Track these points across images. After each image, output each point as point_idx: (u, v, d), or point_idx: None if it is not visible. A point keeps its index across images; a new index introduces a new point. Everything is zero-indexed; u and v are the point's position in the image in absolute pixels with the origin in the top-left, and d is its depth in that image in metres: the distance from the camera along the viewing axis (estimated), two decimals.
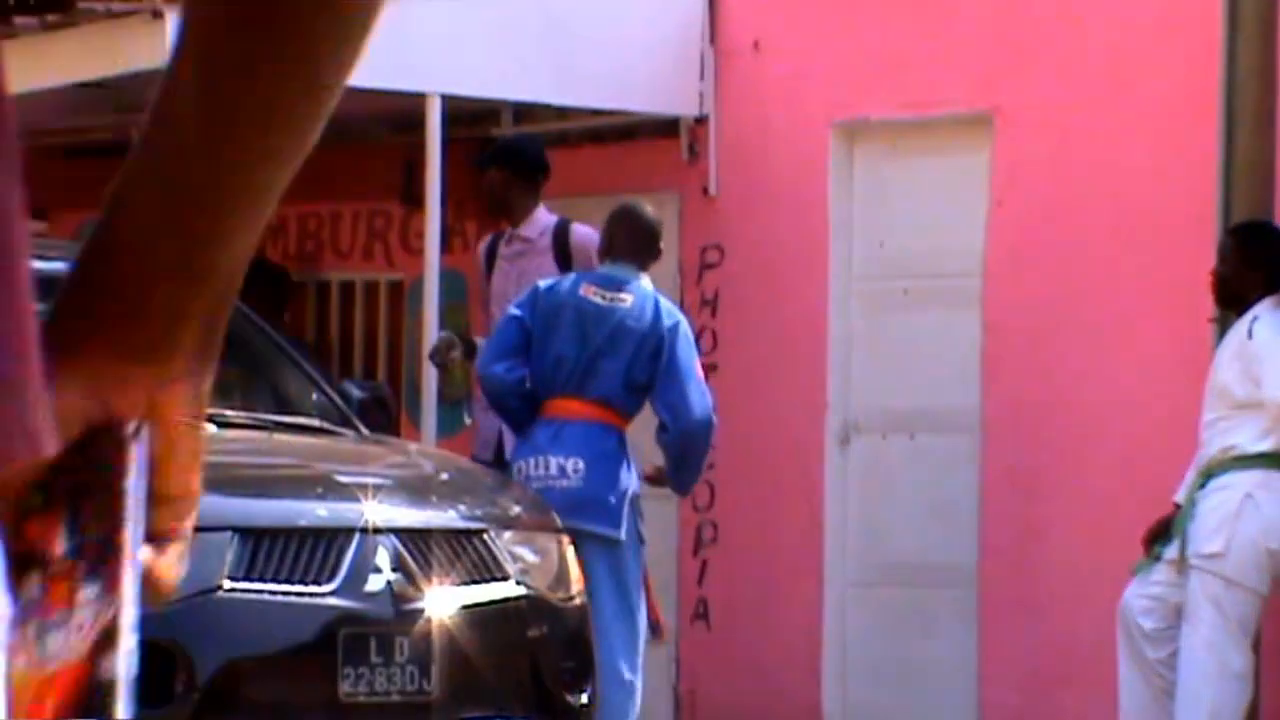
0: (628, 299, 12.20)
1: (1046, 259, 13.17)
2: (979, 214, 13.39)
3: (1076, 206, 13.06)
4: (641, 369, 12.11)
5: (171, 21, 13.10)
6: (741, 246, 14.17)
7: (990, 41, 13.39)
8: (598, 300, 12.25)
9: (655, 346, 12.09)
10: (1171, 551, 11.85)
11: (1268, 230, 11.99)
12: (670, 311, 12.19)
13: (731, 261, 14.19)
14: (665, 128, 14.35)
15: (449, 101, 13.40)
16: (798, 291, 13.93)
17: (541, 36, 13.89)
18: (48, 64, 13.65)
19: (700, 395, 12.12)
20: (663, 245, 12.35)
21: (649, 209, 12.44)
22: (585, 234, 13.64)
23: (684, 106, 14.20)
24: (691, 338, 12.16)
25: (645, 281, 12.23)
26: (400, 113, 13.47)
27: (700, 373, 12.16)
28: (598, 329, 12.21)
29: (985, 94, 13.38)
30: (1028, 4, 13.32)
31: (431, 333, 13.42)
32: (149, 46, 13.08)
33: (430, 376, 13.35)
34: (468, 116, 13.96)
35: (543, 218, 13.54)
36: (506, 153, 13.74)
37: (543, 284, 12.32)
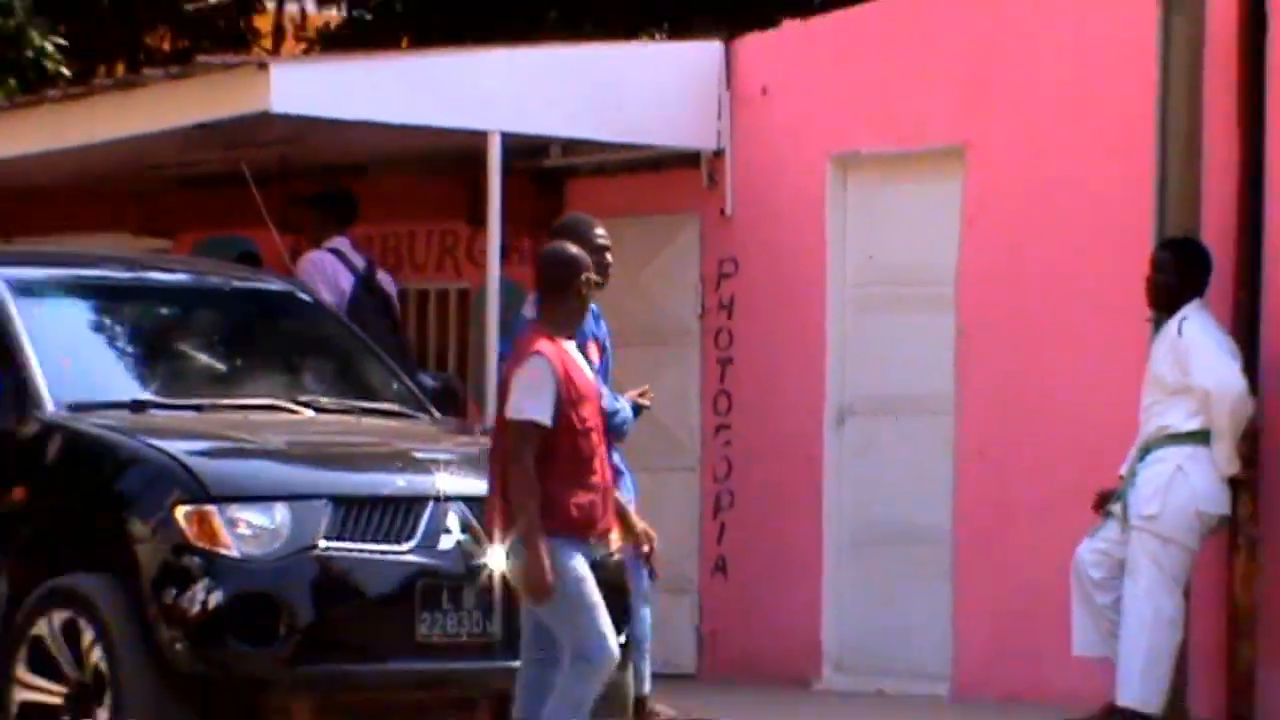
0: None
1: (1010, 270, 13.15)
2: (953, 232, 13.36)
3: (1034, 226, 13.05)
4: None
5: (273, 74, 13.17)
6: (753, 260, 14.14)
7: (961, 88, 13.36)
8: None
9: None
10: (1114, 514, 11.92)
11: (1197, 246, 11.99)
12: None
13: (745, 272, 14.15)
14: (688, 160, 14.28)
15: (506, 138, 13.35)
16: (800, 297, 13.92)
17: (585, 82, 13.86)
18: (171, 108, 13.60)
19: None
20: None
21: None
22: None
23: (704, 141, 14.15)
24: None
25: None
26: (466, 147, 13.41)
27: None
28: None
29: (957, 131, 13.35)
30: (992, 56, 13.24)
31: (493, 333, 13.38)
32: (254, 94, 13.07)
33: (491, 368, 13.15)
34: (522, 150, 13.91)
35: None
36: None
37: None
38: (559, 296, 10.10)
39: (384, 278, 14.64)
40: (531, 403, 9.79)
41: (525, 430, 9.77)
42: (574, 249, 10.28)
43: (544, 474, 9.82)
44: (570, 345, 10.15)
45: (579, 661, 9.87)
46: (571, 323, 10.17)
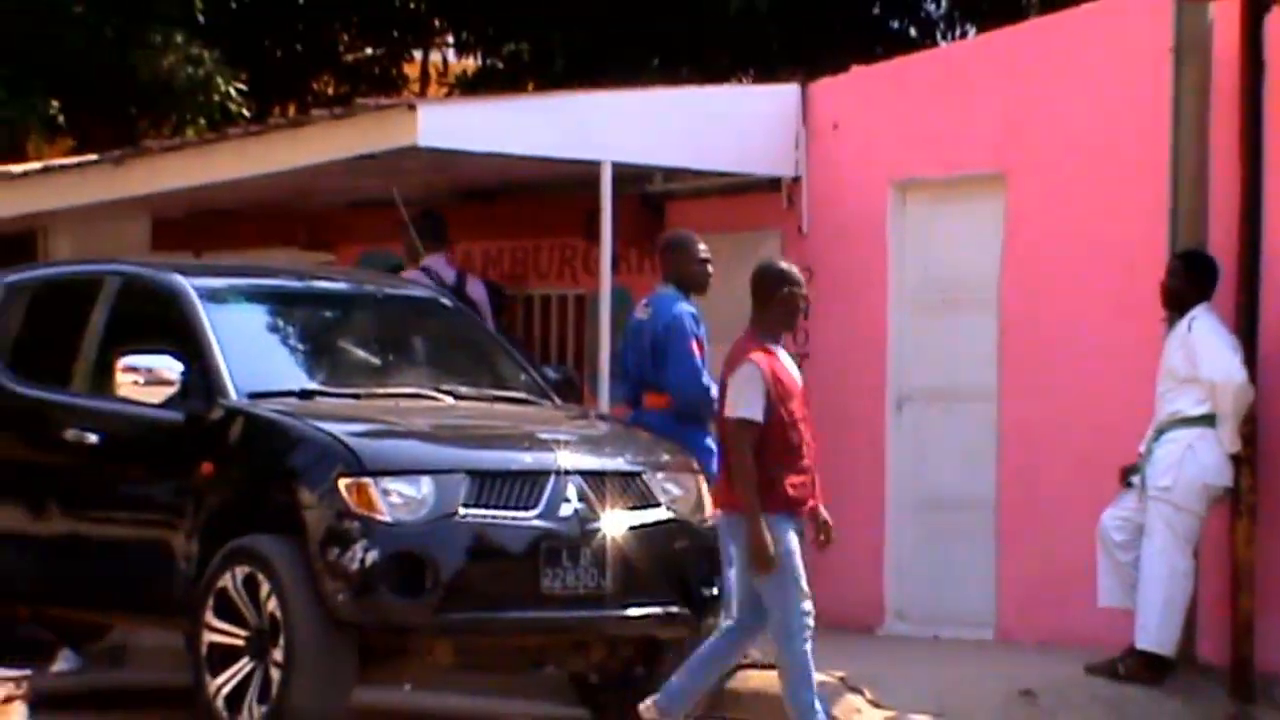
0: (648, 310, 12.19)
1: (1044, 278, 13.10)
2: (995, 246, 13.32)
3: (1065, 241, 13.00)
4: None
5: (420, 113, 13.22)
6: (825, 270, 14.06)
7: (1001, 124, 13.33)
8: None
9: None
10: (1134, 485, 11.94)
11: (1204, 257, 12.01)
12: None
13: (819, 279, 13.97)
14: (770, 185, 14.25)
15: (616, 166, 13.36)
16: (865, 301, 13.90)
17: (683, 119, 13.86)
18: (334, 143, 13.66)
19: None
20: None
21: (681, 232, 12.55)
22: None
23: (783, 169, 14.13)
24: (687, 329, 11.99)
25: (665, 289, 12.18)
26: (582, 175, 13.44)
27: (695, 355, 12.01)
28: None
29: (999, 160, 13.32)
30: (1028, 97, 13.20)
31: (605, 332, 13.46)
32: (404, 130, 13.07)
33: (604, 363, 13.35)
34: (630, 177, 13.90)
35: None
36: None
37: None
38: (768, 306, 10.28)
39: (475, 288, 14.55)
40: (745, 403, 10.01)
41: (741, 426, 10.00)
42: (783, 265, 10.49)
43: (762, 460, 10.02)
44: (780, 350, 10.29)
45: (785, 631, 10.10)
46: (779, 328, 10.32)
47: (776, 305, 10.25)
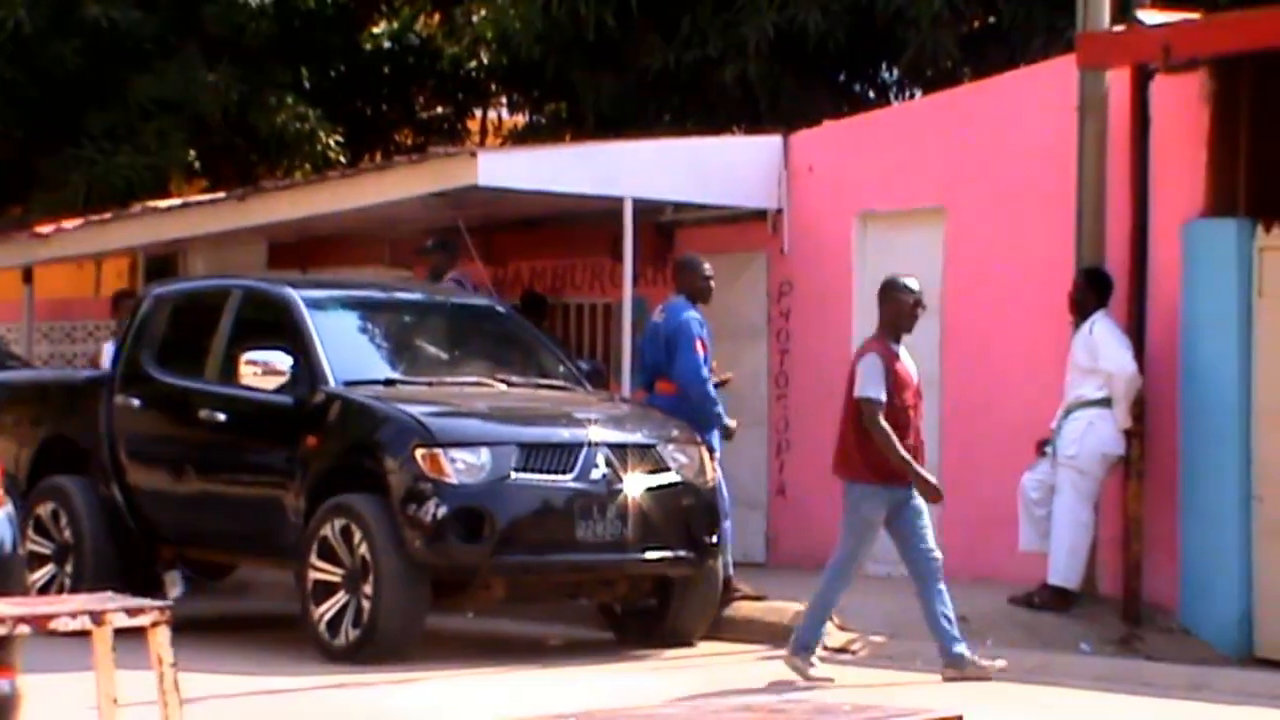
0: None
1: (976, 290, 13.06)
2: (938, 265, 13.24)
3: (994, 261, 12.96)
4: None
5: (480, 159, 13.24)
6: (803, 283, 14.03)
7: (942, 168, 13.26)
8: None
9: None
10: (1048, 454, 11.92)
11: (1101, 272, 11.94)
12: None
13: (797, 291, 14.05)
14: (758, 215, 14.15)
15: (636, 201, 13.32)
16: (835, 308, 13.80)
17: (688, 163, 13.76)
18: (413, 183, 13.62)
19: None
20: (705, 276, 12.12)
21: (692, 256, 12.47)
22: None
23: (769, 203, 14.03)
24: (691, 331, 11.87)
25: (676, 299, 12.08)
26: (609, 208, 13.37)
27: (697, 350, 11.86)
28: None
29: (941, 196, 13.24)
30: (965, 145, 13.13)
31: (627, 334, 13.34)
32: (467, 173, 13.02)
33: (626, 360, 13.25)
34: (647, 209, 13.81)
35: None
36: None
37: None
38: (890, 313, 10.30)
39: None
40: (870, 384, 10.07)
41: (868, 404, 10.05)
42: (901, 278, 10.46)
43: (871, 437, 10.00)
44: (900, 349, 10.32)
45: (836, 571, 10.22)
46: (896, 329, 10.31)
47: (890, 310, 10.28)
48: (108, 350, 14.64)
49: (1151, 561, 11.70)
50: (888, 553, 13.38)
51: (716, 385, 12.12)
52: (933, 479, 10.20)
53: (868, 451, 10.12)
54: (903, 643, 11.19)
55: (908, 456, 10.05)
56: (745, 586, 12.11)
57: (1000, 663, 10.32)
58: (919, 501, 10.26)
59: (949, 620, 10.26)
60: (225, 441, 11.79)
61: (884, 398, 10.04)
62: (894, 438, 10.02)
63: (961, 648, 10.25)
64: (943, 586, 10.27)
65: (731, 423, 11.92)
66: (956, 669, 10.20)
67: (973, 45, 15.85)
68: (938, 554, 10.38)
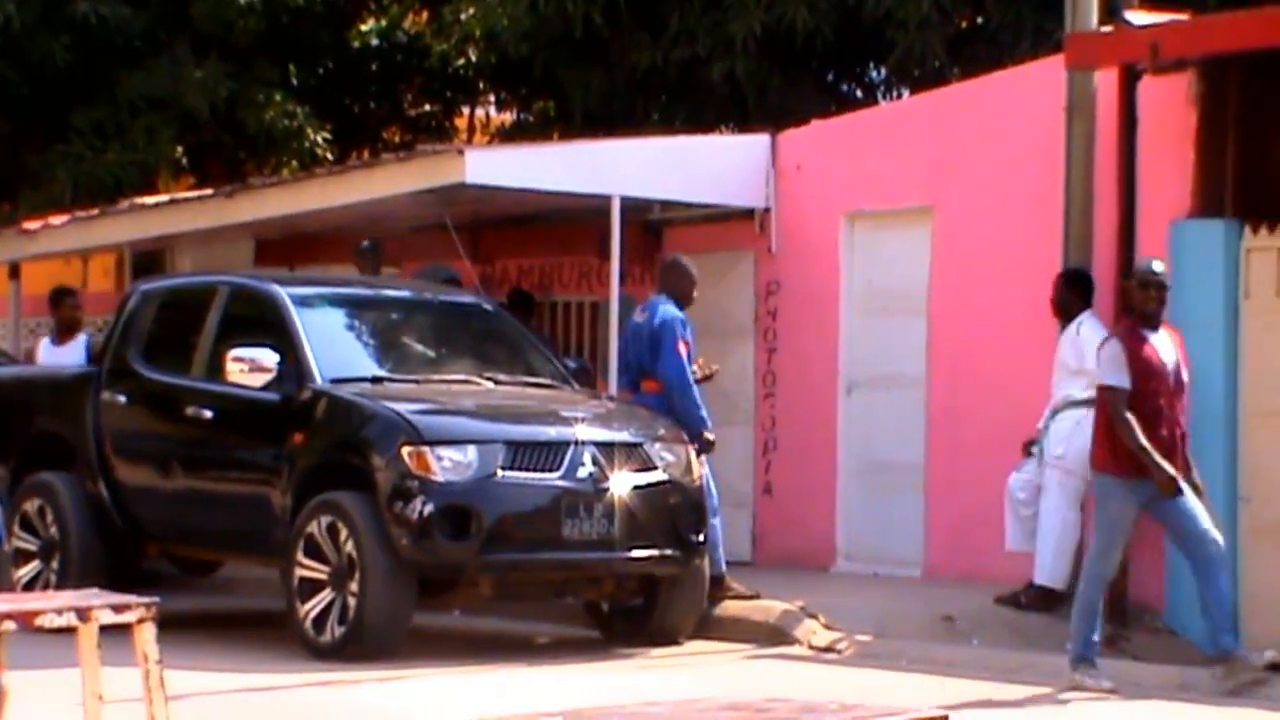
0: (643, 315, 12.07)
1: (964, 290, 13.07)
2: (925, 264, 13.28)
3: (981, 260, 12.96)
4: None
5: (468, 157, 13.16)
6: (791, 282, 14.04)
7: (929, 167, 13.26)
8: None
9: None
10: (1035, 454, 11.90)
11: (1082, 274, 11.94)
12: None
13: (784, 290, 14.07)
14: (746, 214, 14.15)
15: (624, 200, 13.30)
16: (823, 307, 13.83)
17: (676, 162, 13.75)
18: (401, 180, 13.59)
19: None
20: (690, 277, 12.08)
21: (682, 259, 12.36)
22: None
23: (757, 202, 14.02)
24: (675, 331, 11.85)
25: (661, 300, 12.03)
26: (596, 206, 13.39)
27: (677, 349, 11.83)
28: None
29: (928, 195, 13.25)
30: (952, 145, 13.13)
31: (614, 331, 13.30)
32: (455, 170, 12.98)
33: (613, 357, 13.20)
34: (634, 207, 13.82)
35: None
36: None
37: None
38: (1143, 303, 9.92)
39: None
40: (1111, 373, 9.77)
41: (1110, 391, 9.74)
42: (1149, 267, 10.01)
43: (1117, 428, 9.69)
44: (1156, 335, 9.95)
45: (1092, 570, 9.87)
46: (1145, 318, 9.89)
47: (1135, 299, 10.00)
48: (44, 345, 14.63)
49: (1138, 562, 11.67)
50: (870, 552, 13.54)
51: (703, 379, 12.10)
52: (1171, 471, 9.60)
53: (1115, 442, 9.75)
54: (888, 642, 11.20)
55: (1146, 445, 9.59)
56: (738, 585, 12.10)
57: (1271, 653, 9.94)
58: (1182, 494, 9.80)
59: (1213, 613, 9.86)
60: (212, 438, 11.77)
61: (1126, 385, 9.67)
62: (1135, 425, 9.61)
63: (1229, 640, 9.92)
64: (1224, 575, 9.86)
65: (710, 435, 11.86)
66: (1223, 665, 9.91)
67: (960, 46, 15.88)
68: (1216, 537, 9.88)
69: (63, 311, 14.87)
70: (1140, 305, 10.00)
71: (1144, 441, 9.65)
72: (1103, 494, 9.95)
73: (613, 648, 11.31)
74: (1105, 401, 9.84)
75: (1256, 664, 9.99)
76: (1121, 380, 9.73)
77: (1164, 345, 9.99)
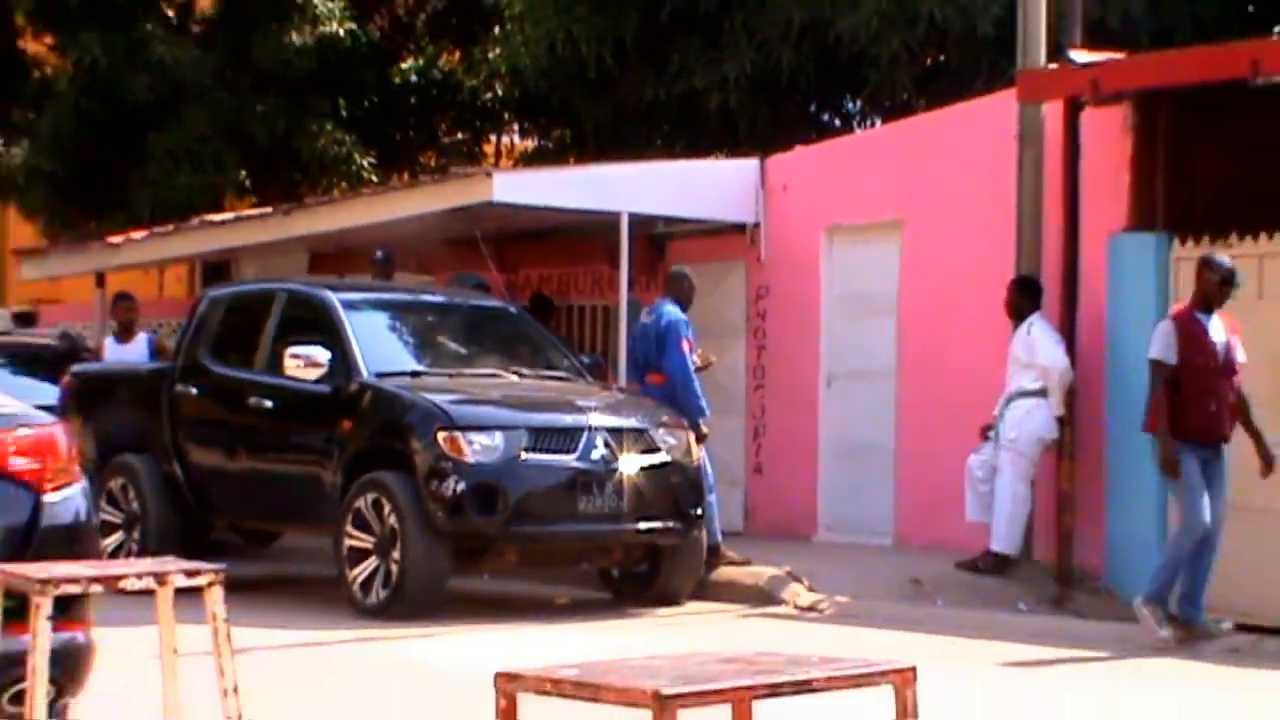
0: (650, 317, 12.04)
1: (929, 295, 13.05)
2: (895, 272, 13.28)
3: (944, 268, 12.95)
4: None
5: (495, 179, 13.25)
6: (778, 287, 14.04)
7: (898, 186, 13.25)
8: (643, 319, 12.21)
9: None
10: (991, 437, 11.92)
11: (1034, 281, 11.93)
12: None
13: (772, 295, 14.07)
14: (738, 229, 14.16)
15: (632, 216, 13.31)
16: (805, 309, 13.82)
17: (677, 182, 13.75)
18: (436, 199, 13.63)
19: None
20: (693, 284, 12.03)
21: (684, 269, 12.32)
22: None
23: (748, 218, 14.03)
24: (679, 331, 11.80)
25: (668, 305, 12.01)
26: (607, 222, 13.38)
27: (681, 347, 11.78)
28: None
29: (898, 211, 13.25)
30: (919, 167, 13.12)
31: (623, 332, 13.33)
32: (484, 191, 13.03)
33: (622, 351, 13.25)
34: (640, 223, 13.80)
35: None
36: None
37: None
38: (1199, 287, 9.68)
39: None
40: (1158, 348, 9.55)
41: (1153, 365, 9.54)
42: (1219, 259, 9.67)
43: (1175, 398, 9.43)
44: (1210, 319, 9.57)
45: (1181, 528, 9.60)
46: (1205, 303, 9.58)
47: (1199, 284, 9.70)
48: (109, 344, 14.62)
49: (1081, 531, 11.72)
50: (847, 523, 13.53)
51: (702, 368, 12.11)
52: (1172, 451, 9.39)
53: (1176, 411, 9.50)
54: (864, 602, 11.20)
55: (1165, 425, 9.40)
56: (732, 553, 12.10)
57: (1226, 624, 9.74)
58: (1223, 464, 9.61)
59: (1186, 582, 9.63)
60: (271, 425, 11.77)
61: (1171, 361, 9.45)
62: (1164, 402, 9.42)
63: (1193, 609, 9.70)
64: (1207, 553, 9.57)
65: (705, 429, 11.84)
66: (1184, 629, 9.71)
67: (926, 81, 15.89)
68: (1214, 515, 9.58)
69: (119, 313, 14.83)
70: (1214, 295, 9.68)
71: (1164, 425, 9.42)
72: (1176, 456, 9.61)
73: (621, 608, 11.32)
74: (1150, 373, 9.59)
75: (1217, 632, 9.85)
76: (1167, 356, 9.51)
77: (1216, 328, 9.70)
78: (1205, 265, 9.82)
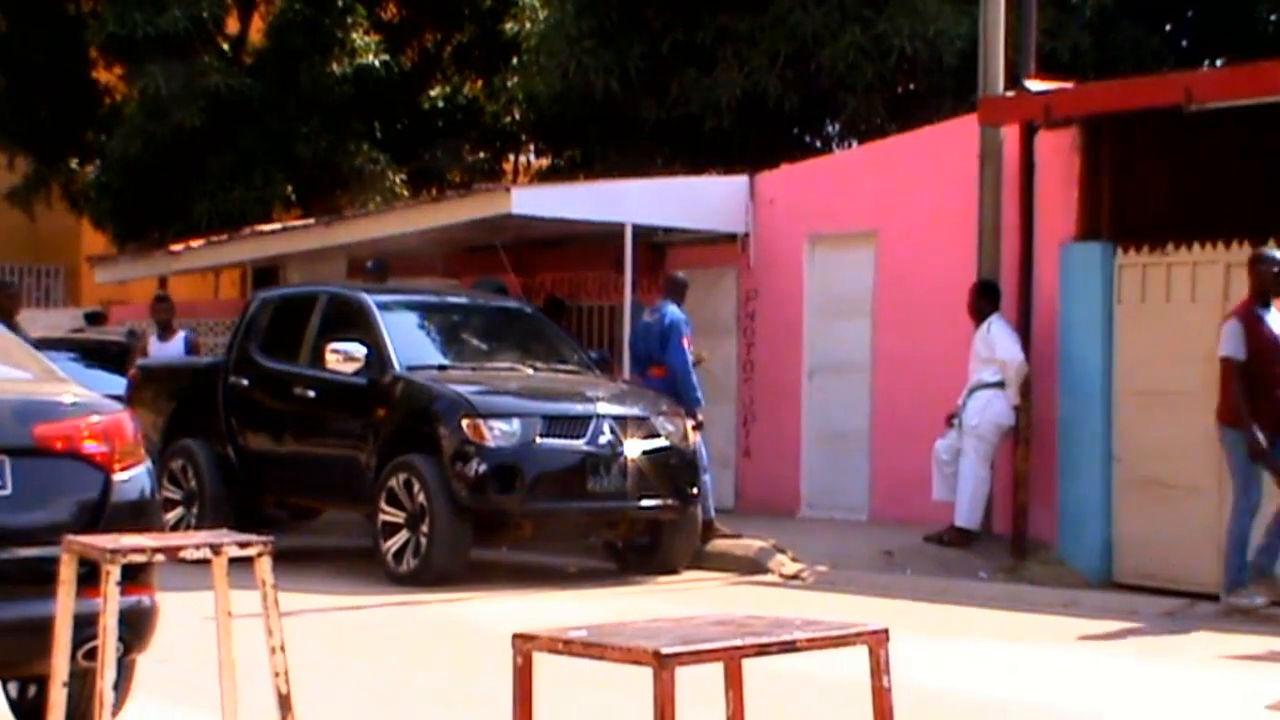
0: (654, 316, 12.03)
1: (900, 296, 13.02)
2: (870, 277, 13.23)
3: (914, 274, 12.91)
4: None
5: (514, 193, 13.23)
6: (766, 290, 13.97)
7: (874, 200, 13.22)
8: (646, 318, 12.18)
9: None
10: (955, 424, 11.93)
11: (993, 285, 11.89)
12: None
13: (761, 297, 14.00)
14: (730, 238, 14.09)
15: (635, 227, 13.29)
16: (790, 310, 13.76)
17: (676, 196, 13.70)
18: (461, 211, 13.57)
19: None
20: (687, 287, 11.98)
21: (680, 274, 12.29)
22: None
23: (739, 228, 13.97)
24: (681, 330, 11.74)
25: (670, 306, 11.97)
26: (613, 231, 13.36)
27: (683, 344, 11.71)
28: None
29: (873, 222, 13.21)
30: (892, 184, 13.08)
31: (627, 330, 13.21)
32: (503, 204, 13.01)
33: (626, 347, 13.13)
34: (643, 232, 13.79)
35: None
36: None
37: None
38: (1255, 280, 9.26)
39: None
40: (1228, 346, 9.21)
41: (1226, 362, 9.18)
42: (1272, 253, 9.21)
43: (1246, 390, 9.08)
44: (1268, 313, 9.21)
45: (1238, 507, 9.23)
46: (1260, 296, 9.20)
47: (1254, 278, 9.25)
48: (153, 341, 14.58)
49: (1035, 508, 11.69)
50: (827, 501, 13.51)
51: (696, 363, 12.08)
52: (1260, 436, 8.98)
53: (1248, 400, 9.17)
54: (842, 572, 11.20)
55: (1249, 417, 8.97)
56: (724, 528, 12.09)
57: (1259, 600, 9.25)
58: None
59: (1260, 552, 9.17)
60: (314, 413, 11.77)
61: (1241, 356, 9.10)
62: (1243, 394, 9.06)
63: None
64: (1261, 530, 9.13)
65: (701, 417, 11.80)
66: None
67: (897, 106, 15.89)
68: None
69: (158, 313, 14.72)
70: (1271, 286, 9.22)
71: (1246, 413, 9.08)
72: (1232, 443, 9.33)
73: (625, 576, 11.31)
74: (1225, 370, 9.23)
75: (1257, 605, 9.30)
76: (1238, 353, 9.16)
77: (1276, 322, 9.34)
78: (1258, 260, 9.31)
